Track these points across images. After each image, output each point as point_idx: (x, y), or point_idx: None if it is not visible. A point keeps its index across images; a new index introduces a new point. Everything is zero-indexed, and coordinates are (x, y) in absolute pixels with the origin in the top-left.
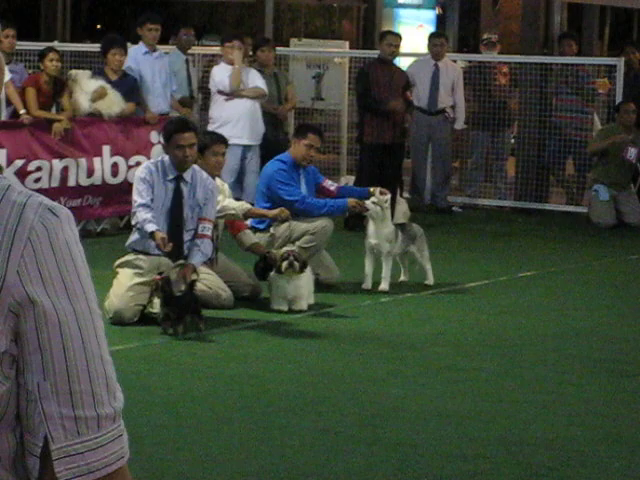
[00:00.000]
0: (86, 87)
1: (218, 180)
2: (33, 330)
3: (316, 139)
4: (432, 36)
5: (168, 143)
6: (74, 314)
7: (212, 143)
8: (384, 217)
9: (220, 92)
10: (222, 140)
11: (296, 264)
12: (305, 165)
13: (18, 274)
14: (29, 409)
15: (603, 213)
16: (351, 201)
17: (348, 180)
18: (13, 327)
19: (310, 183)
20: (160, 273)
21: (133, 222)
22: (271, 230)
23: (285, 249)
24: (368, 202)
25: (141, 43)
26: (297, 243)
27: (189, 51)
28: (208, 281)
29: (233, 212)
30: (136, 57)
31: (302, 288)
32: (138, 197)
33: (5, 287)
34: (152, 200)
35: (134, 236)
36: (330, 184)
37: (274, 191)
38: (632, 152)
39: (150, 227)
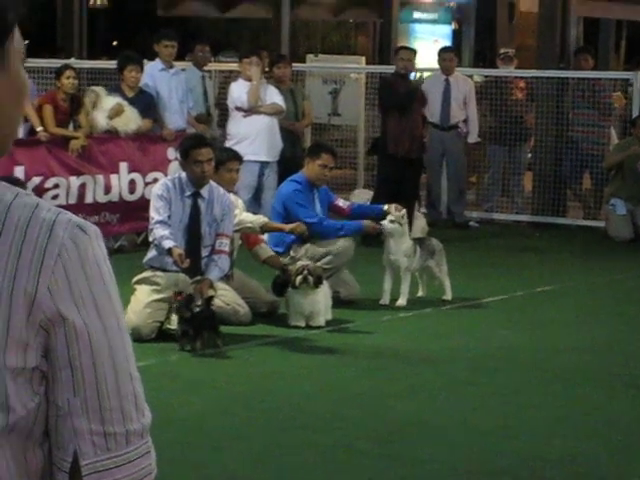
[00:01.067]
0: (103, 104)
1: (232, 196)
2: (63, 346)
3: (330, 159)
4: (441, 51)
5: (185, 159)
6: (104, 330)
7: (227, 160)
8: (402, 233)
9: (238, 108)
10: (237, 157)
11: (310, 278)
12: (320, 185)
13: (49, 290)
14: (58, 425)
15: (620, 227)
16: (367, 224)
17: (362, 194)
18: (43, 343)
19: (324, 203)
20: (179, 292)
21: (150, 239)
22: (291, 253)
23: (300, 263)
24: (385, 222)
25: (157, 60)
26: (318, 264)
27: (205, 67)
28: (226, 297)
29: (250, 225)
30: (152, 74)
31: (319, 304)
32: (155, 214)
33: (36, 304)
34: (169, 217)
35: (151, 253)
36: (343, 203)
37: (292, 212)
38: None
39: (167, 243)
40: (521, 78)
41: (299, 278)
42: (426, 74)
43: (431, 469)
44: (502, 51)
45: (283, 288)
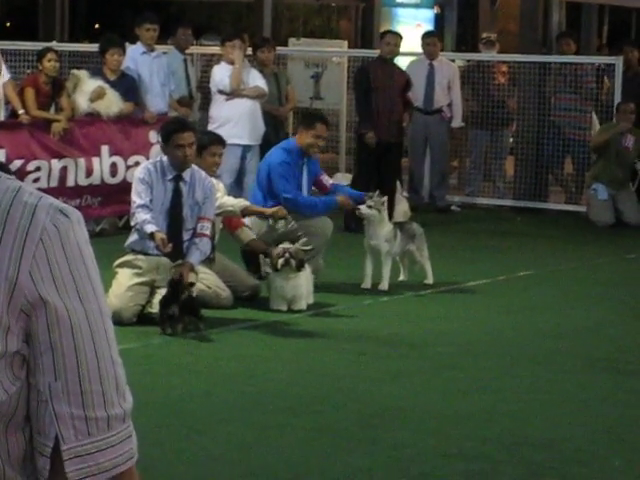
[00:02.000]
0: (85, 87)
1: (213, 179)
2: (45, 330)
3: (323, 129)
4: (424, 36)
5: (167, 143)
6: (85, 315)
7: (210, 144)
8: (381, 219)
9: (220, 92)
10: (220, 141)
11: (292, 262)
12: (311, 154)
13: (30, 275)
14: (40, 409)
15: (602, 212)
16: (341, 200)
17: (343, 178)
18: (24, 327)
19: (311, 173)
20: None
21: (132, 223)
22: (269, 221)
23: (282, 246)
24: (363, 207)
25: (139, 43)
26: (296, 245)
27: (187, 51)
28: (207, 280)
29: (231, 209)
30: (134, 57)
31: (301, 287)
32: (137, 198)
33: (17, 288)
34: (151, 200)
35: (133, 237)
36: (326, 179)
37: (273, 182)
38: (630, 140)
39: (150, 228)
40: (503, 63)
41: (281, 261)
42: (410, 58)
43: (412, 453)
44: (484, 35)
45: (251, 263)
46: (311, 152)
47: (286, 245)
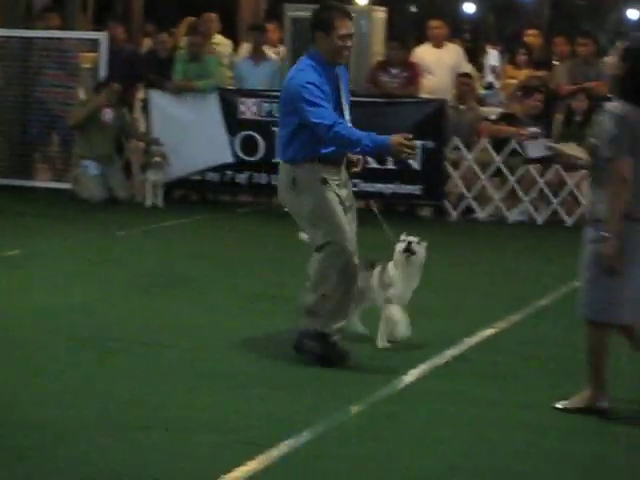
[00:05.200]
0: None
1: None
2: None
3: (349, 24)
4: None
5: None
6: None
7: None
8: None
9: None
10: None
11: None
12: (341, 62)
13: None
14: None
15: (92, 188)
16: (396, 140)
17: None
18: None
19: (347, 87)
20: None
21: None
22: None
23: None
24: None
25: None
26: None
27: None
28: None
29: None
30: None
31: None
32: None
33: None
34: None
35: None
36: None
37: (302, 115)
38: (109, 114)
39: None
40: None
41: None
42: None
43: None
44: None
45: None
46: (341, 60)
47: None
